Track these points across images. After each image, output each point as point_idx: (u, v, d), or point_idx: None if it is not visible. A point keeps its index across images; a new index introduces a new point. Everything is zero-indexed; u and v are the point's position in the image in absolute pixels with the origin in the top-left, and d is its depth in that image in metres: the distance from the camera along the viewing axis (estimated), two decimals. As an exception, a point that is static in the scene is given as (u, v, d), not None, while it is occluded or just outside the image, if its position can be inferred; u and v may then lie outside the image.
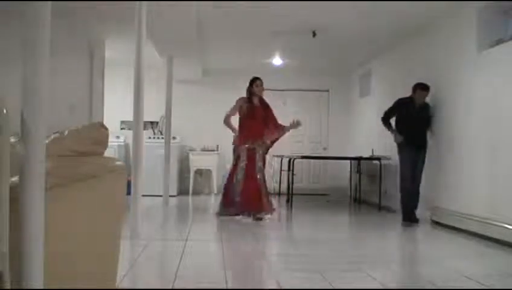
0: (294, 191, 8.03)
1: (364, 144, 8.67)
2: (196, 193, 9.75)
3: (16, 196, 1.77)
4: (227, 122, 6.31)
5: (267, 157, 6.71)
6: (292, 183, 7.99)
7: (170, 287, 2.90)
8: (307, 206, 8.17)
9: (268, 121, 6.28)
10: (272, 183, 9.54)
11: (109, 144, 2.40)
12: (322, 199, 9.43)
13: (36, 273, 1.78)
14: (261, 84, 6.23)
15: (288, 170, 8.21)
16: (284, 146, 9.78)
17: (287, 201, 8.11)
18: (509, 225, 4.41)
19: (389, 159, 7.30)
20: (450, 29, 5.88)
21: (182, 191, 9.64)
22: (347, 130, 10.05)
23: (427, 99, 6.04)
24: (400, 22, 6.32)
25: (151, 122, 9.77)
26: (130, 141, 8.05)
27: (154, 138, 9.36)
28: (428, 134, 6.12)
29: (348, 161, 9.07)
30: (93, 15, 5.89)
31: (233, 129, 6.29)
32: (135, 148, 4.81)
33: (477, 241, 4.75)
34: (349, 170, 9.27)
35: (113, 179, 2.28)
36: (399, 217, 6.04)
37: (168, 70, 7.75)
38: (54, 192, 1.96)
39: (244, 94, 6.31)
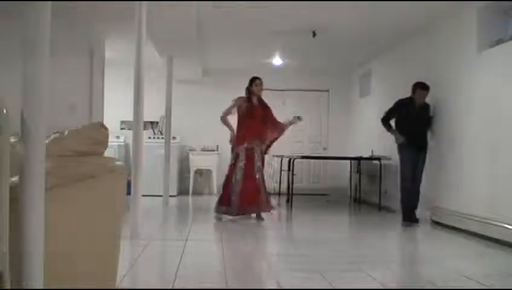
0: (294, 191, 8.03)
1: (364, 144, 8.67)
2: (196, 193, 9.75)
3: (16, 196, 1.77)
4: (224, 120, 6.27)
5: (267, 157, 6.71)
6: (292, 183, 7.99)
7: (170, 287, 2.90)
8: (307, 206, 8.17)
9: (267, 120, 6.28)
10: (271, 183, 9.54)
11: (109, 144, 2.40)
12: (322, 199, 9.43)
13: (36, 273, 1.78)
14: (261, 84, 6.23)
15: (288, 170, 8.21)
16: (284, 146, 9.79)
17: (287, 201, 8.10)
18: (509, 225, 4.40)
19: (389, 159, 7.30)
20: (450, 29, 5.88)
21: (182, 191, 9.64)
22: (347, 130, 10.05)
23: (427, 100, 6.04)
24: (399, 22, 6.32)
25: (151, 122, 9.77)
26: (130, 141, 8.04)
27: (154, 138, 9.36)
28: (429, 134, 6.11)
29: (348, 161, 9.07)
30: (93, 15, 5.89)
31: (230, 127, 6.27)
32: (135, 148, 4.81)
33: (477, 241, 4.75)
34: (349, 170, 9.27)
35: (113, 179, 2.28)
36: (399, 217, 6.04)
37: (168, 70, 7.75)
38: (54, 192, 1.96)
39: (244, 94, 6.30)
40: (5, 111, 1.63)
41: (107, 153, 2.34)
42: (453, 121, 5.71)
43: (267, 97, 6.49)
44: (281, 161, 9.08)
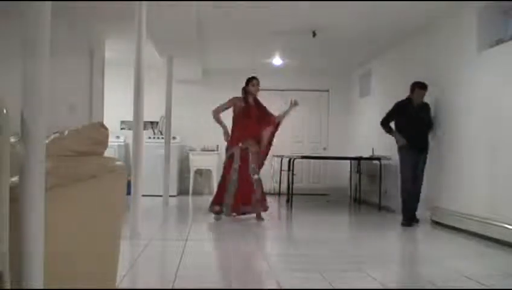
0: (294, 191, 8.03)
1: (364, 144, 8.67)
2: (196, 193, 9.75)
3: (16, 196, 1.77)
4: (215, 116, 6.25)
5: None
6: (292, 183, 7.99)
7: (170, 287, 2.90)
8: (307, 206, 8.17)
9: (262, 120, 6.25)
10: (272, 183, 9.55)
11: (109, 144, 2.40)
12: (322, 199, 9.43)
13: (36, 273, 1.78)
14: (258, 84, 6.23)
15: (288, 170, 8.21)
16: (284, 146, 9.81)
17: (287, 201, 8.10)
18: (509, 225, 4.41)
19: (389, 159, 7.30)
20: (450, 29, 5.88)
21: (182, 191, 9.65)
22: (347, 130, 10.05)
23: (427, 100, 6.03)
24: (399, 22, 6.32)
25: (151, 122, 9.77)
26: (130, 141, 8.05)
27: (154, 138, 9.37)
28: (431, 134, 6.09)
29: (348, 161, 9.07)
30: (93, 15, 5.89)
31: (221, 124, 6.24)
32: (135, 148, 4.81)
33: (477, 241, 4.75)
34: (349, 170, 9.27)
35: (113, 179, 2.28)
36: (399, 217, 6.03)
37: (168, 70, 7.75)
38: (54, 192, 1.96)
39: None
40: (5, 111, 1.63)
41: (107, 153, 2.34)
42: (453, 121, 5.71)
43: (266, 97, 6.50)
44: (281, 161, 9.08)
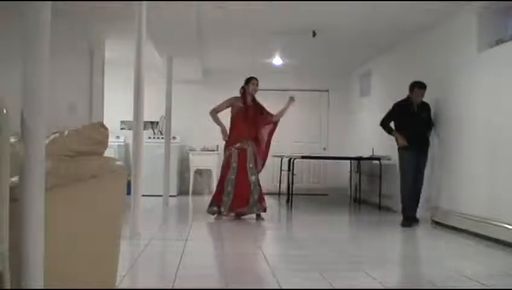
0: (294, 191, 8.02)
1: (364, 143, 8.67)
2: (196, 193, 9.75)
3: (16, 196, 1.77)
4: (213, 115, 6.26)
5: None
6: (292, 183, 7.99)
7: (170, 287, 2.90)
8: (307, 206, 8.17)
9: (260, 120, 6.25)
10: (272, 183, 9.54)
11: (109, 144, 2.40)
12: (322, 199, 9.43)
13: (36, 273, 1.78)
14: (257, 84, 6.23)
15: (288, 170, 8.21)
16: (284, 146, 9.81)
17: (287, 201, 8.10)
18: (509, 225, 4.40)
19: (389, 159, 7.30)
20: (450, 29, 5.88)
21: (182, 191, 9.64)
22: (347, 130, 10.04)
23: (427, 100, 6.02)
24: (399, 22, 6.31)
25: (151, 122, 9.77)
26: (130, 141, 8.05)
27: (154, 138, 9.37)
28: (432, 134, 6.07)
29: (348, 161, 9.07)
30: (93, 15, 5.89)
31: (218, 122, 6.25)
32: (135, 148, 4.81)
33: (477, 241, 4.74)
34: (349, 170, 9.27)
35: (113, 179, 2.29)
36: (399, 217, 6.03)
37: (168, 70, 7.75)
38: (54, 192, 1.96)
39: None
40: (5, 111, 1.63)
41: (107, 153, 2.34)
42: (453, 121, 5.71)
43: (267, 98, 6.50)
44: (281, 160, 9.08)
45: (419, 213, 5.99)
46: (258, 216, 6.13)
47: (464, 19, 5.53)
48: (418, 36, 6.68)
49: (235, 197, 6.02)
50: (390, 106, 6.18)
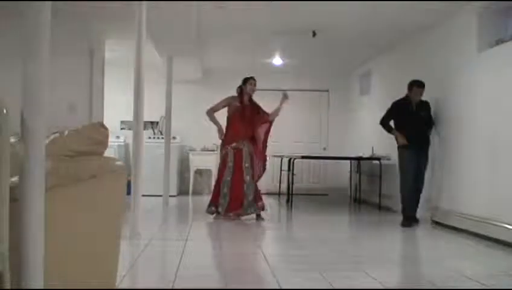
0: (294, 191, 8.02)
1: (364, 143, 8.67)
2: (196, 193, 9.75)
3: (16, 196, 1.77)
4: (210, 115, 6.27)
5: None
6: (292, 183, 7.99)
7: (170, 287, 2.90)
8: (307, 206, 8.17)
9: (257, 119, 6.25)
10: (272, 183, 9.54)
11: (109, 144, 2.40)
12: (322, 199, 9.43)
13: (36, 273, 1.78)
14: (255, 84, 6.24)
15: (288, 170, 8.21)
16: (284, 146, 9.81)
17: (287, 201, 8.10)
18: (509, 225, 4.40)
19: (389, 159, 7.30)
20: (450, 29, 5.88)
21: (182, 191, 9.64)
22: (347, 129, 10.04)
23: (427, 99, 6.01)
24: (399, 22, 6.31)
25: (151, 122, 9.77)
26: (130, 141, 8.04)
27: (154, 138, 9.36)
28: (433, 133, 6.05)
29: (348, 161, 9.07)
30: (93, 15, 5.89)
31: (215, 122, 6.26)
32: (135, 148, 4.81)
33: (477, 241, 4.74)
34: (349, 170, 9.27)
35: (113, 179, 2.29)
36: (399, 217, 6.02)
37: (168, 70, 7.75)
38: (54, 192, 1.96)
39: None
40: (5, 111, 1.63)
41: (107, 153, 2.34)
42: (453, 121, 5.71)
43: (267, 98, 6.49)
44: (281, 161, 9.08)
45: (419, 213, 5.98)
46: (258, 216, 6.13)
47: (463, 19, 5.53)
48: (418, 36, 6.68)
49: (231, 199, 6.03)
50: (387, 109, 6.18)
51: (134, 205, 4.60)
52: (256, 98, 6.42)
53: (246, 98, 6.24)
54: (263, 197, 6.37)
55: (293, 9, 5.83)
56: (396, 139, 6.02)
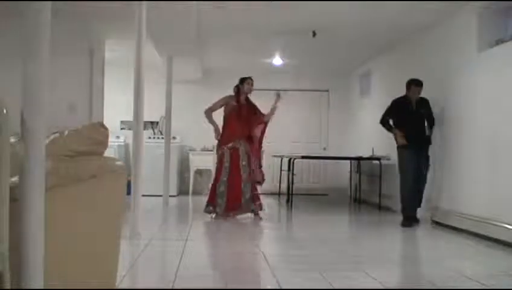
0: (294, 191, 8.02)
1: (364, 143, 8.67)
2: (196, 193, 9.75)
3: (16, 196, 1.77)
4: (208, 115, 6.29)
5: (266, 156, 6.69)
6: (292, 183, 7.99)
7: (170, 287, 2.90)
8: (307, 206, 8.17)
9: (253, 119, 6.26)
10: (271, 183, 9.54)
11: (109, 144, 2.40)
12: (322, 199, 9.43)
13: (36, 273, 1.78)
14: (252, 84, 6.26)
15: (288, 170, 8.21)
16: (284, 146, 9.82)
17: (287, 201, 8.10)
18: (509, 225, 4.40)
19: (388, 159, 7.30)
20: (450, 29, 5.88)
21: (182, 191, 9.65)
22: (347, 130, 10.04)
23: (427, 97, 6.00)
24: (400, 22, 6.31)
25: (151, 122, 9.77)
26: (130, 141, 8.04)
27: (154, 138, 9.37)
28: (434, 131, 6.03)
29: (348, 161, 9.07)
30: (93, 15, 5.89)
31: (213, 123, 6.27)
32: (135, 148, 4.81)
33: (477, 241, 4.74)
34: (349, 170, 9.27)
35: (113, 179, 2.29)
36: (399, 217, 6.02)
37: (168, 70, 7.75)
38: (54, 192, 1.96)
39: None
40: (5, 111, 1.63)
41: (107, 153, 2.34)
42: (452, 121, 5.71)
43: (267, 98, 6.49)
44: (281, 161, 9.08)
45: (419, 213, 5.98)
46: (256, 214, 6.12)
47: (463, 19, 5.53)
48: (418, 36, 6.69)
49: (228, 199, 6.03)
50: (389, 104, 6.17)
51: (134, 205, 4.60)
52: (256, 98, 6.42)
53: (242, 98, 6.25)
54: (261, 197, 6.37)
55: (293, 9, 5.83)
56: (396, 138, 6.01)
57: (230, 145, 6.11)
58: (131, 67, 4.80)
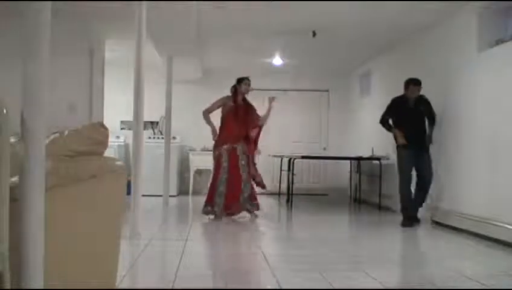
0: (294, 191, 8.02)
1: (364, 143, 8.67)
2: (196, 193, 9.74)
3: (16, 196, 1.77)
4: (206, 116, 6.30)
5: (268, 156, 6.69)
6: (292, 183, 7.99)
7: (170, 287, 2.90)
8: (307, 206, 8.17)
9: (250, 120, 6.27)
10: (271, 183, 9.54)
11: (109, 144, 2.40)
12: (322, 199, 9.43)
13: (36, 273, 1.78)
14: (249, 84, 6.26)
15: (288, 170, 8.21)
16: (284, 146, 9.82)
17: (287, 201, 8.10)
18: (509, 225, 4.40)
19: (388, 159, 7.30)
20: (450, 29, 5.88)
21: (182, 191, 9.65)
22: (347, 129, 10.04)
23: (428, 97, 5.99)
24: (400, 22, 6.32)
25: (151, 122, 9.77)
26: (130, 141, 8.04)
27: (154, 138, 9.37)
28: (435, 131, 6.01)
29: (348, 161, 9.07)
30: (93, 15, 5.89)
31: (210, 124, 6.28)
32: (135, 148, 4.81)
33: (477, 241, 4.74)
34: (349, 170, 9.27)
35: (113, 179, 2.29)
36: (399, 217, 6.02)
37: (168, 70, 7.75)
38: (54, 192, 1.96)
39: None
40: (5, 111, 1.63)
41: (107, 153, 2.34)
42: (452, 121, 5.71)
43: (261, 97, 6.50)
44: (281, 161, 9.08)
45: (420, 213, 5.98)
46: (251, 213, 6.13)
47: (463, 19, 5.53)
48: (418, 36, 6.69)
49: (227, 198, 6.03)
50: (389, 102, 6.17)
51: (134, 205, 4.60)
52: (256, 98, 6.42)
53: (239, 98, 6.27)
54: (261, 197, 6.38)
55: (293, 9, 5.83)
56: (395, 138, 6.00)
57: (226, 146, 6.11)
58: (131, 67, 4.80)
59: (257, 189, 6.39)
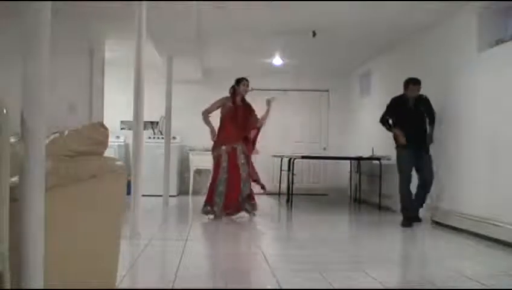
0: (294, 191, 8.02)
1: (364, 143, 8.67)
2: (196, 192, 9.74)
3: (16, 196, 1.77)
4: (205, 116, 6.32)
5: (267, 156, 6.69)
6: (292, 183, 7.99)
7: (170, 287, 2.90)
8: (307, 206, 8.17)
9: (249, 121, 6.28)
10: (271, 183, 9.54)
11: (109, 144, 2.41)
12: (322, 199, 9.43)
13: (36, 273, 1.78)
14: (248, 85, 6.27)
15: (288, 170, 8.21)
16: (284, 146, 9.82)
17: (287, 201, 8.10)
18: (509, 225, 4.40)
19: (389, 159, 7.30)
20: (450, 29, 5.88)
21: (182, 191, 9.64)
22: (347, 129, 10.04)
23: (427, 95, 5.98)
24: (400, 22, 6.32)
25: (151, 122, 9.77)
26: (130, 141, 8.04)
27: (154, 138, 9.37)
28: (435, 131, 6.00)
29: (348, 161, 9.07)
30: (93, 15, 5.89)
31: (209, 125, 6.30)
32: (135, 148, 4.81)
33: (477, 241, 4.74)
34: (349, 170, 9.27)
35: (113, 179, 2.29)
36: (399, 217, 6.02)
37: (168, 70, 7.75)
38: (54, 192, 1.96)
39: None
40: (5, 111, 1.63)
41: (107, 153, 2.34)
42: (452, 121, 5.71)
43: (260, 97, 6.51)
44: (281, 161, 9.08)
45: (420, 213, 5.97)
46: (250, 213, 6.14)
47: (463, 19, 5.53)
48: (418, 36, 6.69)
49: (227, 198, 6.03)
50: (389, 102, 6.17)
51: (134, 205, 4.60)
52: (256, 98, 6.41)
53: (238, 99, 6.28)
54: (260, 197, 6.38)
55: (293, 9, 5.83)
56: (395, 138, 6.00)
57: (225, 147, 6.12)
58: (131, 67, 4.81)
59: (257, 189, 6.39)
